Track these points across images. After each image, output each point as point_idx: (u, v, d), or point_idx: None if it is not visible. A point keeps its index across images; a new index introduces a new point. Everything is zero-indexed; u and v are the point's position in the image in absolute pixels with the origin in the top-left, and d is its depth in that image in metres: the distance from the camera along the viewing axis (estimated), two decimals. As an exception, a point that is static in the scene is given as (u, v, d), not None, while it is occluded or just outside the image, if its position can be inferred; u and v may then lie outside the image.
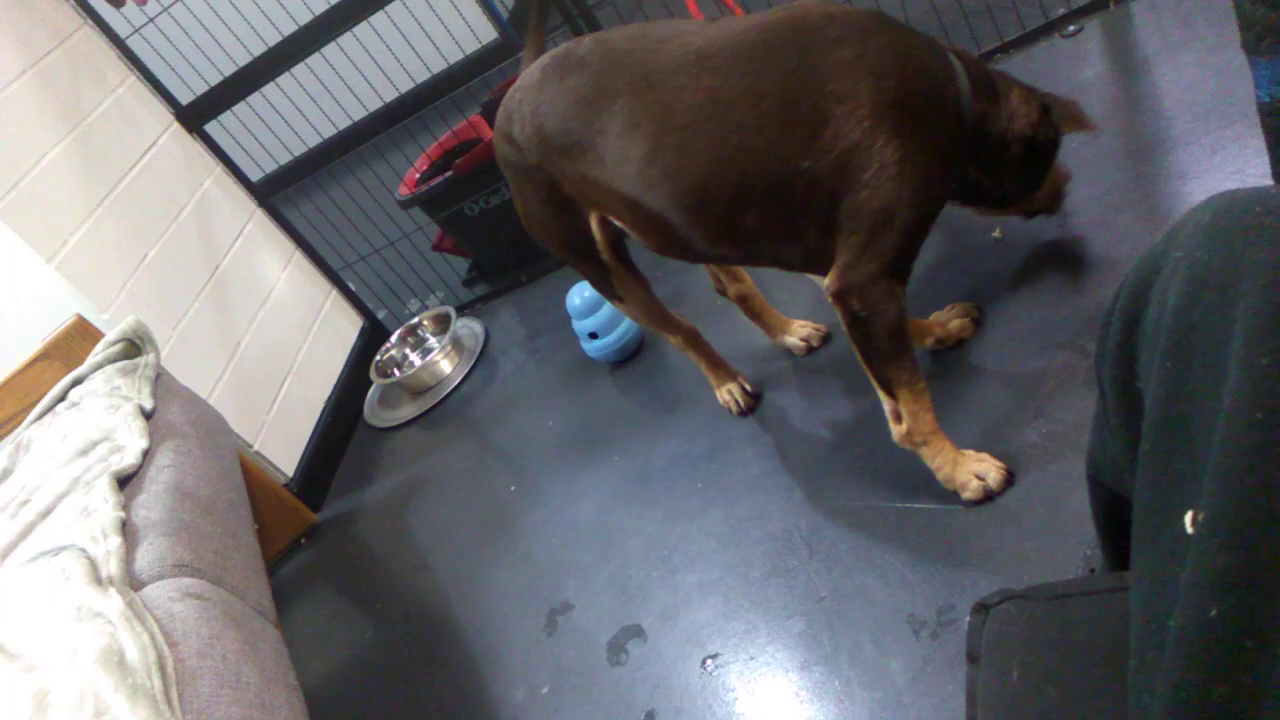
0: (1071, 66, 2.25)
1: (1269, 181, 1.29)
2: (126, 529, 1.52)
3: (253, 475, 2.20)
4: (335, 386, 2.82)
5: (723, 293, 1.97)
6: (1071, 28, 2.31)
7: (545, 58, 1.59)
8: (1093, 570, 1.18)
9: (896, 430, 1.49)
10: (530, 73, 1.60)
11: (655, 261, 2.36)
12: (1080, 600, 0.56)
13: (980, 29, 2.42)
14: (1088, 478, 0.69)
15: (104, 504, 1.56)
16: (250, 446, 2.40)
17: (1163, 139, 1.92)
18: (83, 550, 1.46)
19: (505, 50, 1.99)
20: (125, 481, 1.64)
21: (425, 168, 2.93)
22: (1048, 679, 0.54)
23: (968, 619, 0.61)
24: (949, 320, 1.78)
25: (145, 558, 1.46)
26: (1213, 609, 0.42)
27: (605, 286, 1.80)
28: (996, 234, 1.92)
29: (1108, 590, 0.55)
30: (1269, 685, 0.41)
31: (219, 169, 2.75)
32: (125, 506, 1.57)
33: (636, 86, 1.41)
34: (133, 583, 1.41)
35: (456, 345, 2.81)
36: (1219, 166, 1.79)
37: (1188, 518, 0.46)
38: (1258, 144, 1.79)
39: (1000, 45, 2.38)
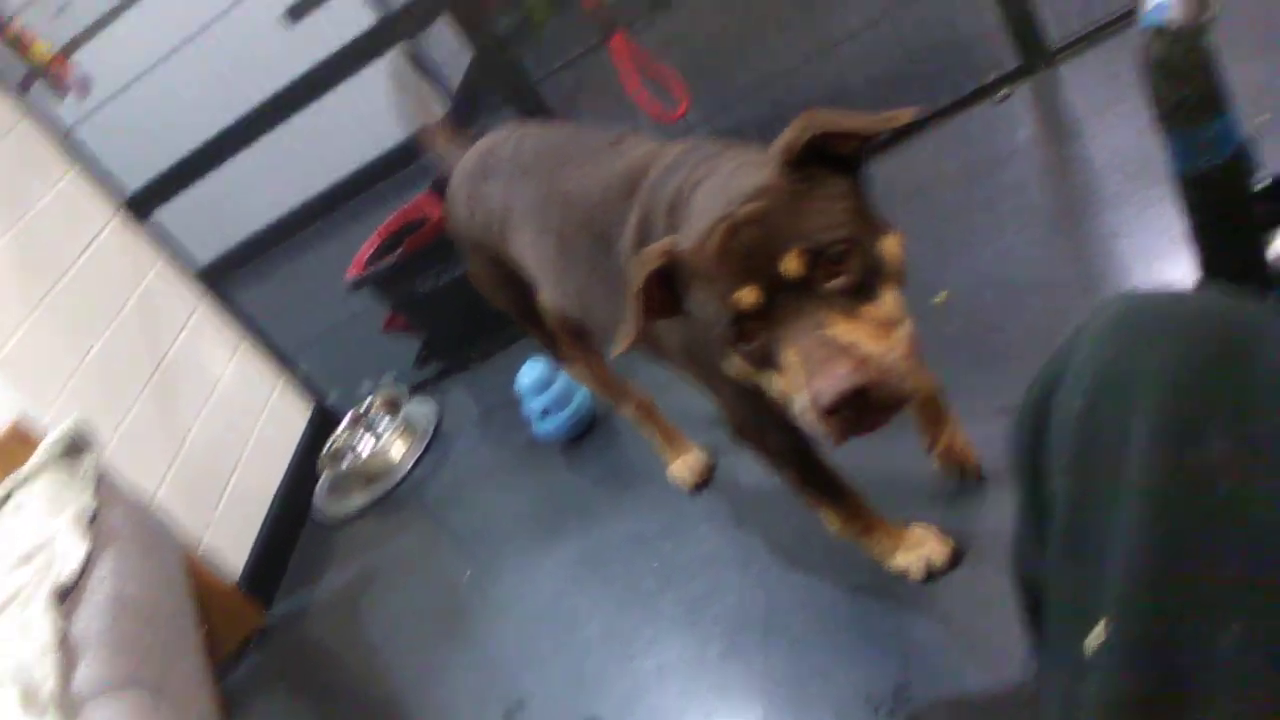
0: (1005, 131, 2.30)
1: (1192, 241, 1.30)
2: (66, 644, 1.48)
3: (200, 576, 2.15)
4: (285, 477, 2.77)
5: None
6: (1003, 92, 2.37)
7: (483, 143, 1.66)
8: None
9: (831, 527, 1.49)
10: (469, 157, 1.67)
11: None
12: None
13: (913, 96, 2.47)
14: (1012, 574, 0.69)
15: (42, 619, 1.51)
16: (197, 546, 2.34)
17: (1095, 200, 1.97)
18: (20, 670, 1.41)
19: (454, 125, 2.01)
20: (66, 593, 1.60)
21: (374, 248, 2.92)
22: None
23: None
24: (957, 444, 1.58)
25: (85, 675, 1.42)
26: None
27: (554, 351, 1.86)
28: (938, 299, 1.92)
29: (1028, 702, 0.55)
30: None
31: (164, 258, 2.73)
32: (65, 619, 1.53)
33: (526, 210, 1.48)
34: (72, 703, 1.37)
35: (408, 428, 2.78)
36: (1148, 225, 1.82)
37: (1090, 637, 0.46)
38: (1184, 203, 1.84)
39: (935, 112, 2.43)
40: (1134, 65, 1.10)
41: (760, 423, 1.33)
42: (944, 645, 1.38)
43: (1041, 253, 1.93)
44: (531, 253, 1.49)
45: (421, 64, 3.40)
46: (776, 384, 0.99)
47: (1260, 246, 1.15)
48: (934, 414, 1.54)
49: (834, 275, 0.93)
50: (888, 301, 0.96)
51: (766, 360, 0.98)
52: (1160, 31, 1.00)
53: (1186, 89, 1.05)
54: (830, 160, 1.01)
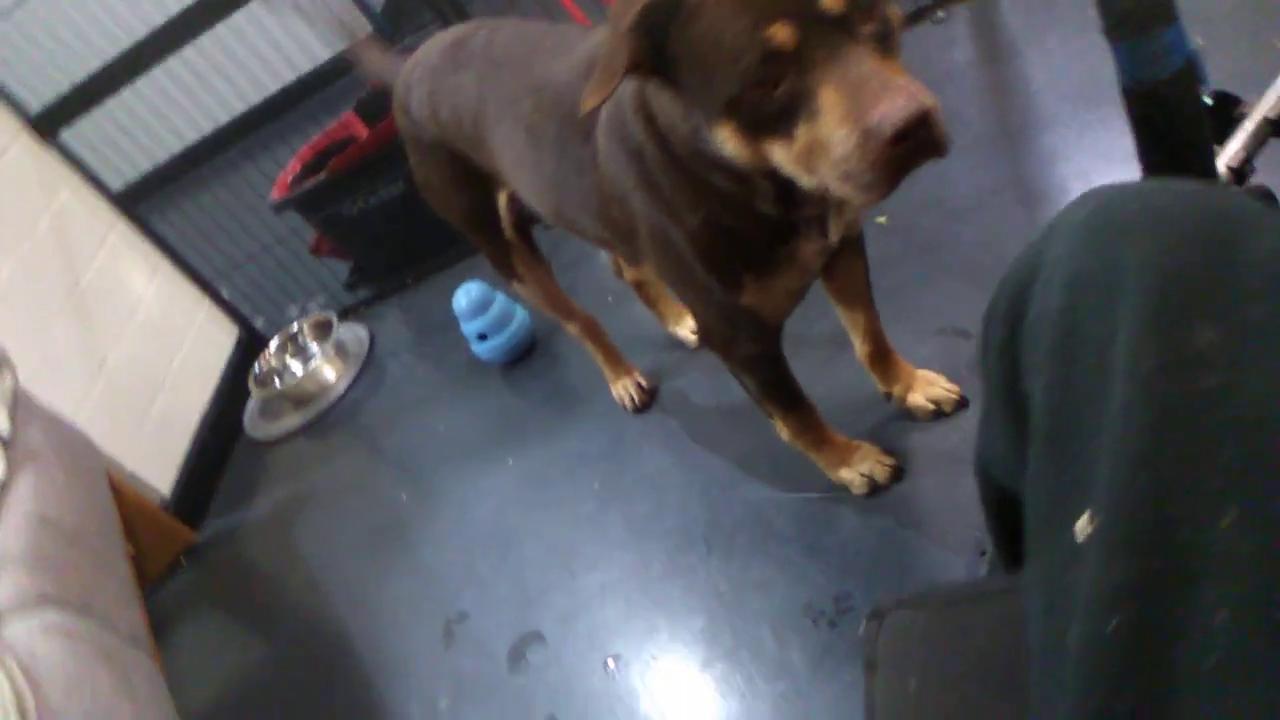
0: (942, 52, 2.29)
1: (1134, 162, 1.31)
2: (-17, 562, 1.42)
3: (125, 497, 2.09)
4: (212, 400, 2.70)
5: (620, 275, 1.95)
6: (941, 14, 2.35)
7: (445, 37, 1.55)
8: (984, 553, 1.18)
9: (782, 435, 1.49)
10: (429, 50, 1.57)
11: (550, 252, 2.33)
12: (974, 605, 0.56)
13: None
14: (976, 473, 0.69)
15: (-44, 538, 1.45)
16: (122, 467, 2.27)
17: (1033, 122, 1.98)
18: (-66, 589, 1.35)
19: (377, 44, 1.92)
20: (-20, 513, 1.54)
21: (298, 169, 2.82)
22: (946, 686, 0.53)
23: (864, 620, 0.60)
24: (919, 391, 1.55)
25: (4, 592, 1.37)
26: (1111, 621, 0.42)
27: (505, 265, 1.77)
28: (881, 219, 1.93)
29: (1000, 592, 0.55)
30: (1171, 694, 0.41)
31: (76, 179, 2.60)
32: (-19, 539, 1.47)
33: (499, 102, 1.39)
34: (-10, 619, 1.32)
35: (340, 351, 2.72)
36: (1088, 148, 1.84)
37: (1079, 524, 0.46)
38: (1123, 125, 1.84)
39: (875, 34, 2.40)
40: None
41: (730, 327, 1.30)
42: (884, 557, 1.40)
43: (980, 175, 1.93)
44: (504, 146, 1.41)
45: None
46: (785, 152, 0.89)
47: (1210, 161, 1.15)
48: (883, 356, 1.54)
49: (869, 20, 0.85)
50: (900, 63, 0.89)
51: (782, 118, 0.87)
52: (1110, -61, 0.98)
53: (1132, 1, 1.04)
54: None
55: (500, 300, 2.21)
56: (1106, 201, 0.53)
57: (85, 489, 1.72)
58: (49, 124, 2.57)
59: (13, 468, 1.64)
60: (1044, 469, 0.50)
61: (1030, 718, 0.48)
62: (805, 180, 0.90)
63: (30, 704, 1.13)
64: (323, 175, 2.68)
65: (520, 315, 2.24)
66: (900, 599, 0.58)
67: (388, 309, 2.89)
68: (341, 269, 3.12)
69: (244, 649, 2.01)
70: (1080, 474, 0.47)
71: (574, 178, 1.27)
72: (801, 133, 0.86)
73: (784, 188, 1.00)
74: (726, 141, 0.93)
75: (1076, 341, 0.50)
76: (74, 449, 1.85)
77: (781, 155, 0.90)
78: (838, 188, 0.86)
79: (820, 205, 1.08)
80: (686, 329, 1.98)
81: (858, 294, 1.44)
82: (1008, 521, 0.66)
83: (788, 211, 1.06)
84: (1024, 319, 0.55)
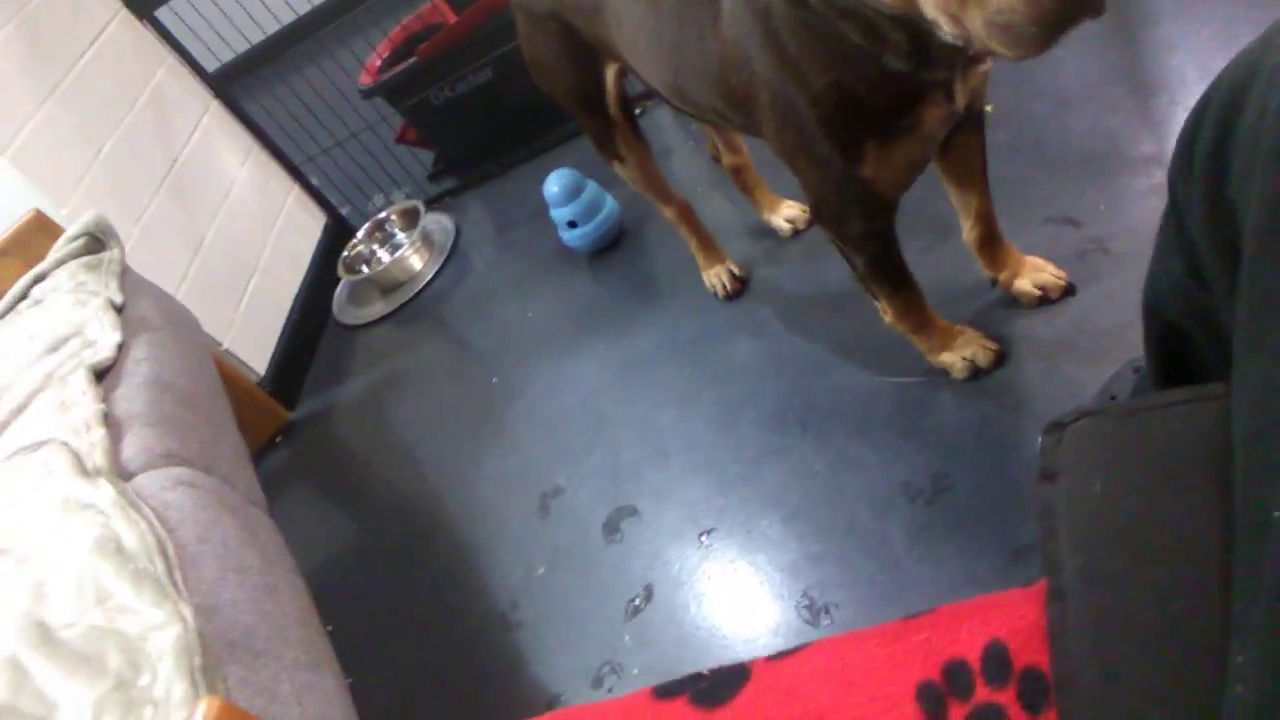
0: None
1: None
2: (109, 421, 1.48)
3: (224, 374, 2.15)
4: (303, 284, 2.75)
5: (717, 160, 1.94)
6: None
7: None
8: (1137, 370, 1.16)
9: (885, 318, 1.48)
10: None
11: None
12: (1156, 414, 0.56)
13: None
14: (1144, 308, 0.68)
15: (82, 397, 1.51)
16: (220, 345, 2.34)
17: (1149, 12, 1.90)
18: (65, 444, 1.41)
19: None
20: (102, 375, 1.60)
21: (388, 53, 2.82)
22: (1130, 489, 0.54)
23: (1039, 440, 0.61)
24: (1025, 277, 1.54)
25: (132, 448, 1.43)
26: None
27: (608, 144, 1.75)
28: (989, 107, 1.88)
29: (1185, 401, 0.55)
30: None
31: (171, 58, 2.63)
32: (105, 399, 1.53)
33: None
34: (121, 473, 1.38)
35: (426, 240, 2.75)
36: (1206, 39, 1.77)
37: None
38: (1247, 14, 1.78)
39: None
40: None
41: (845, 202, 1.27)
42: (984, 439, 1.40)
43: (1092, 65, 1.88)
44: (621, 13, 1.37)
45: None
46: None
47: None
48: (992, 240, 1.51)
49: None
50: None
51: None
52: None
53: None
54: None
55: (591, 188, 2.21)
56: None
57: (195, 358, 1.78)
58: (144, 2, 2.59)
59: (126, 335, 1.70)
60: (1261, 265, 0.49)
61: (1236, 497, 0.48)
62: (948, 28, 0.84)
63: (170, 549, 1.18)
64: (411, 60, 2.67)
65: (610, 204, 2.24)
66: (1081, 409, 0.59)
67: (470, 200, 2.90)
68: (425, 160, 3.13)
69: (344, 521, 2.08)
70: None
71: (694, 43, 1.25)
72: None
73: (917, 40, 0.98)
74: None
75: None
76: (181, 321, 1.90)
77: None
78: (988, 39, 0.78)
79: (951, 64, 1.06)
80: (781, 217, 1.96)
81: (973, 173, 1.42)
82: (1169, 357, 0.65)
83: (918, 69, 1.04)
84: (1238, 124, 0.54)
